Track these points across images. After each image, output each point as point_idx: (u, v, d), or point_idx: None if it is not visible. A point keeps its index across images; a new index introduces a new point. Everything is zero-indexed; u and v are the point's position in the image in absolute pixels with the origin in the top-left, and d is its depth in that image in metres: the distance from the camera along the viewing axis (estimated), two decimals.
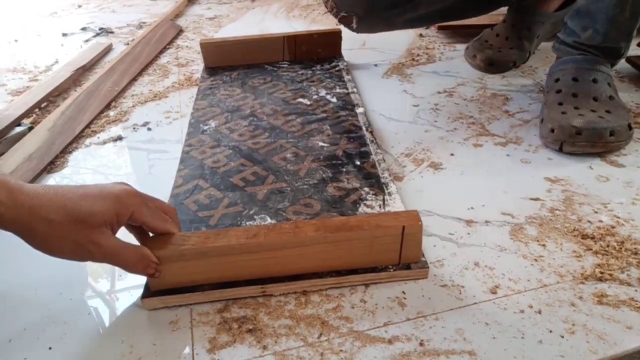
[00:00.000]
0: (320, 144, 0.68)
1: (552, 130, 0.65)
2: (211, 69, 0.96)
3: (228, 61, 0.97)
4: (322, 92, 0.83)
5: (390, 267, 0.46)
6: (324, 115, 0.75)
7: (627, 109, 0.67)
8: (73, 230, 0.39)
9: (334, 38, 0.97)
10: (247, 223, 0.53)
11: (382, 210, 0.54)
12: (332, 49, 0.98)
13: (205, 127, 0.74)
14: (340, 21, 0.86)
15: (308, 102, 0.79)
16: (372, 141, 0.67)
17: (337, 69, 0.92)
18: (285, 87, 0.86)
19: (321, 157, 0.65)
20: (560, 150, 0.65)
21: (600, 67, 0.69)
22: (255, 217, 0.54)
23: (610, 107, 0.66)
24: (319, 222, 0.45)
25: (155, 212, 0.44)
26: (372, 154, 0.64)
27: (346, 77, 0.88)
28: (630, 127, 0.64)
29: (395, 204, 0.55)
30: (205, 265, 0.44)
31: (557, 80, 0.71)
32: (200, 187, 0.60)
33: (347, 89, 0.83)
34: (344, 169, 0.62)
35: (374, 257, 0.46)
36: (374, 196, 0.56)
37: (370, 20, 0.85)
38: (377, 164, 0.62)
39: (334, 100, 0.79)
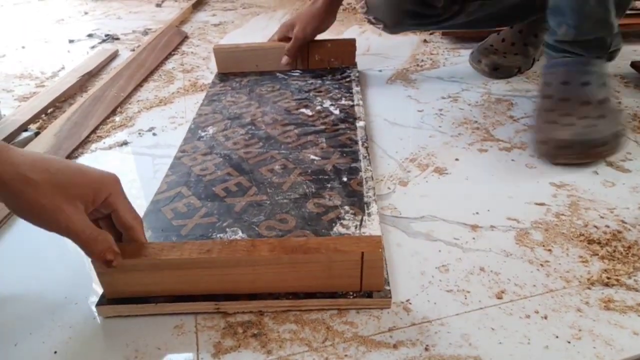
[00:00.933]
0: (312, 157, 0.66)
1: (543, 143, 0.64)
2: (223, 75, 0.96)
3: (241, 68, 0.96)
4: (327, 103, 0.81)
5: (351, 293, 0.44)
6: (323, 127, 0.73)
7: (619, 110, 0.66)
8: (49, 194, 0.39)
9: (347, 47, 0.96)
10: (218, 235, 0.52)
11: (357, 232, 0.52)
12: (346, 58, 0.96)
13: (203, 134, 0.74)
14: (369, 21, 0.90)
15: (310, 113, 0.78)
16: (365, 157, 0.65)
17: (347, 79, 0.90)
18: (291, 96, 0.85)
19: (309, 170, 0.63)
20: (552, 162, 0.64)
21: (590, 68, 0.66)
22: (227, 229, 0.53)
23: (603, 111, 0.64)
24: (277, 242, 0.44)
25: (129, 206, 0.44)
26: (362, 170, 0.62)
27: (355, 89, 0.86)
28: (622, 133, 0.63)
29: (373, 226, 0.52)
30: (160, 277, 0.44)
31: (548, 84, 0.69)
32: (181, 195, 0.59)
33: (352, 100, 0.81)
34: (329, 185, 0.60)
35: (334, 282, 0.44)
36: (352, 216, 0.54)
37: (397, 29, 0.91)
38: (364, 182, 0.60)
39: (337, 112, 0.78)
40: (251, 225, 0.54)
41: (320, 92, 0.86)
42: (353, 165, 0.63)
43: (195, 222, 0.54)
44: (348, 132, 0.72)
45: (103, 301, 0.45)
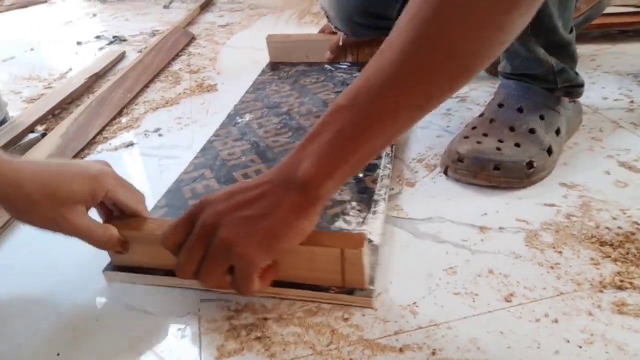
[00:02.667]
0: None
1: (444, 152, 0.63)
2: (274, 64, 0.97)
3: (291, 58, 0.97)
4: None
5: (333, 288, 0.44)
6: None
7: (546, 147, 0.60)
8: (49, 207, 0.41)
9: None
10: None
11: (358, 229, 0.51)
12: None
13: (240, 120, 0.76)
14: (335, 28, 0.90)
15: None
16: (387, 154, 0.64)
17: None
18: (332, 88, 0.85)
19: None
20: (445, 174, 0.62)
21: (532, 96, 0.63)
22: None
23: (523, 140, 0.60)
24: None
25: (129, 193, 0.47)
26: (380, 167, 0.62)
27: None
28: (530, 166, 0.58)
29: (375, 225, 0.52)
30: (156, 251, 0.44)
31: (488, 103, 0.67)
32: (204, 177, 0.62)
33: None
34: None
35: (317, 275, 0.44)
36: (357, 212, 0.54)
37: (359, 37, 0.90)
38: (379, 180, 0.59)
39: None
40: None
41: None
42: (373, 162, 0.63)
43: None
44: None
45: (110, 267, 0.49)
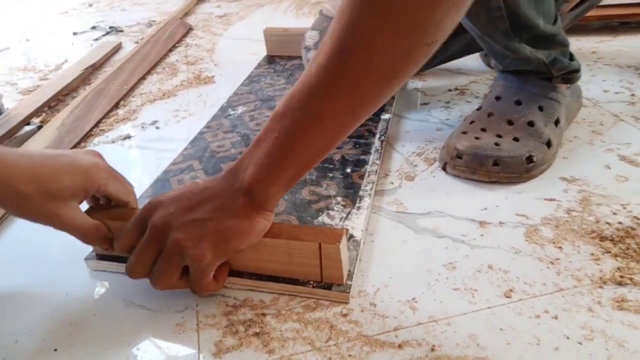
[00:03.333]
0: None
1: (443, 147, 0.62)
2: (271, 58, 0.98)
3: (288, 51, 0.97)
4: None
5: (312, 283, 0.44)
6: None
7: (545, 139, 0.59)
8: (40, 203, 0.41)
9: None
10: None
11: (341, 224, 0.52)
12: None
13: (232, 112, 0.76)
14: None
15: None
16: (377, 150, 0.64)
17: None
18: None
19: None
20: (444, 170, 0.61)
21: (529, 87, 0.63)
22: None
23: (521, 134, 0.60)
24: None
25: (120, 185, 0.47)
26: (369, 163, 0.61)
27: None
28: (530, 160, 0.57)
29: (358, 220, 0.52)
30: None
31: (486, 96, 0.67)
32: (192, 168, 0.62)
33: None
34: (331, 174, 0.60)
35: (296, 269, 0.44)
36: (342, 207, 0.54)
37: None
38: (366, 175, 0.59)
39: None
40: None
41: None
42: (362, 157, 0.63)
43: None
44: (370, 123, 0.70)
45: (91, 256, 0.50)
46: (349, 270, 0.45)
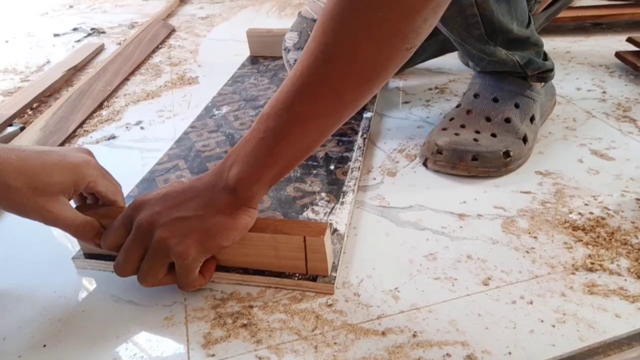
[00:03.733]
0: None
1: (423, 144, 0.65)
2: (254, 58, 0.99)
3: (272, 52, 0.98)
4: None
5: (297, 275, 0.46)
6: None
7: (521, 135, 0.62)
8: (29, 197, 0.41)
9: None
10: None
11: (325, 218, 0.53)
12: None
13: (216, 112, 0.77)
14: None
15: None
16: (360, 147, 0.65)
17: None
18: None
19: None
20: (425, 165, 0.63)
21: (506, 85, 0.65)
22: None
23: (499, 130, 0.62)
24: None
25: (108, 184, 0.48)
26: (352, 160, 0.63)
27: None
28: (507, 155, 0.60)
29: (342, 215, 0.53)
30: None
31: (465, 94, 0.69)
32: (177, 167, 0.63)
33: None
34: (315, 171, 0.61)
35: (281, 263, 0.46)
36: (326, 203, 0.56)
37: None
38: (349, 172, 0.61)
39: None
40: None
41: None
42: (345, 154, 0.64)
43: None
44: (353, 122, 0.72)
45: (78, 256, 0.50)
46: (334, 263, 0.47)
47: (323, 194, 0.57)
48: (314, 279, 0.45)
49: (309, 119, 0.41)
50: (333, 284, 0.45)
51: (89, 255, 0.50)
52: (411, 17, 0.36)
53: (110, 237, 0.44)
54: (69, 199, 0.45)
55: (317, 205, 0.55)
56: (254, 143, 0.42)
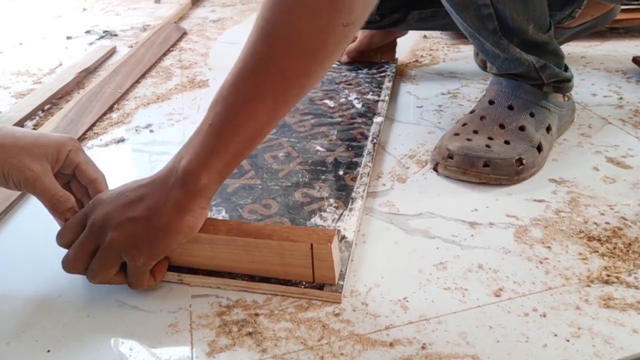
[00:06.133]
0: (318, 148, 0.66)
1: (435, 148, 0.63)
2: None
3: None
4: (352, 97, 0.81)
5: (304, 283, 0.45)
6: (339, 119, 0.74)
7: (535, 144, 0.60)
8: (16, 155, 0.43)
9: (389, 43, 0.94)
10: None
11: (333, 225, 0.52)
12: (385, 53, 0.95)
13: None
14: None
15: (332, 105, 0.79)
16: (370, 152, 0.64)
17: (382, 74, 0.88)
18: (320, 86, 0.85)
19: (310, 161, 0.63)
20: (435, 170, 0.62)
21: (522, 94, 0.64)
22: (213, 208, 0.55)
23: (512, 137, 0.61)
24: (235, 225, 0.46)
25: (91, 161, 0.48)
26: (361, 166, 0.62)
27: (386, 84, 0.84)
28: (520, 163, 0.59)
29: (350, 221, 0.52)
30: None
31: (480, 100, 0.68)
32: None
33: (379, 95, 0.81)
34: (323, 177, 0.60)
35: (288, 270, 0.45)
36: (334, 209, 0.55)
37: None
38: (358, 177, 0.60)
39: (359, 106, 0.78)
40: (236, 206, 0.55)
41: (350, 84, 0.86)
42: (354, 159, 0.63)
43: None
44: (362, 126, 0.71)
45: (64, 268, 0.48)
46: (341, 271, 0.46)
47: (331, 200, 0.56)
48: (320, 287, 0.45)
49: (255, 100, 0.41)
50: (340, 292, 0.44)
51: None
52: None
53: (65, 234, 0.45)
54: (52, 170, 0.45)
55: (325, 211, 0.55)
56: (203, 131, 0.42)
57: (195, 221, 0.43)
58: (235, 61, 0.41)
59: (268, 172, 0.61)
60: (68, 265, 0.44)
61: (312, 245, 0.43)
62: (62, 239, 0.45)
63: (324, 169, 0.62)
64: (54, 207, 0.45)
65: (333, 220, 0.53)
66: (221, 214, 0.54)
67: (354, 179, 0.59)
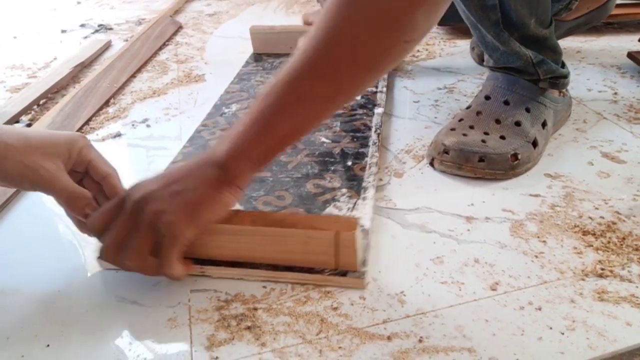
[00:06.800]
0: (323, 139, 0.67)
1: (430, 144, 0.64)
2: (258, 55, 0.98)
3: (275, 49, 0.98)
4: None
5: (327, 271, 0.46)
6: (341, 111, 0.74)
7: (531, 139, 0.61)
8: (30, 156, 0.43)
9: None
10: None
11: (348, 214, 0.53)
12: None
13: (226, 110, 0.76)
14: None
15: None
16: (375, 143, 0.65)
17: None
18: None
19: (317, 152, 0.64)
20: (431, 165, 0.63)
21: (518, 89, 0.64)
22: None
23: (508, 132, 0.61)
24: (258, 215, 0.47)
25: (102, 157, 0.48)
26: (368, 156, 0.63)
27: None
28: (515, 158, 0.59)
29: (365, 210, 0.53)
30: None
31: (476, 96, 0.69)
32: None
33: (377, 87, 0.80)
34: (332, 168, 0.61)
35: (311, 258, 0.45)
36: (347, 198, 0.55)
37: None
38: (367, 167, 0.61)
39: (358, 97, 0.78)
40: (250, 199, 0.56)
41: None
42: (361, 150, 0.64)
43: None
44: (364, 117, 0.72)
45: (102, 256, 0.47)
46: (362, 257, 0.47)
47: (344, 190, 0.57)
48: (343, 274, 0.45)
49: (306, 100, 0.43)
50: (363, 279, 0.45)
51: None
52: (412, 10, 0.38)
53: (99, 218, 0.44)
54: (65, 167, 0.45)
55: (338, 201, 0.55)
56: (249, 120, 0.43)
57: (232, 198, 0.44)
58: (292, 59, 0.42)
59: (277, 164, 0.62)
60: (106, 250, 0.44)
61: (337, 232, 0.43)
62: (95, 224, 0.44)
63: (332, 159, 0.63)
64: (72, 203, 0.45)
65: (348, 210, 0.54)
66: (235, 206, 0.54)
67: (362, 169, 0.60)
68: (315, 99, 0.43)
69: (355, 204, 0.54)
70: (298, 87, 0.42)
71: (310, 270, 0.46)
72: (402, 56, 0.42)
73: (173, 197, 0.42)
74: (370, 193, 0.56)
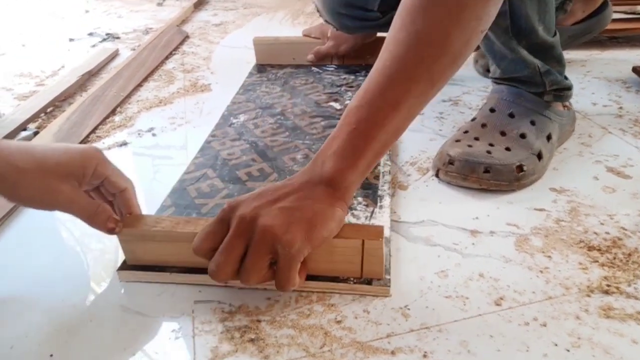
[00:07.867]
0: None
1: (436, 155, 0.64)
2: (261, 66, 0.99)
3: (278, 60, 0.99)
4: None
5: (352, 279, 0.46)
6: None
7: (536, 151, 0.61)
8: (41, 178, 0.42)
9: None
10: None
11: (367, 222, 0.53)
12: None
13: (234, 121, 0.77)
14: (326, 22, 0.90)
15: (338, 107, 0.80)
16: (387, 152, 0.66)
17: None
18: (322, 89, 0.87)
19: None
20: (437, 176, 0.63)
21: (523, 102, 0.65)
22: None
23: (513, 144, 0.61)
24: None
25: (117, 170, 0.47)
26: (380, 164, 0.64)
27: None
28: (520, 169, 0.59)
29: (383, 219, 0.54)
30: (175, 248, 0.47)
31: (481, 108, 0.69)
32: (207, 176, 0.63)
33: None
34: None
35: (336, 267, 0.46)
36: (364, 207, 0.56)
37: (346, 31, 0.88)
38: (380, 175, 0.61)
39: None
40: None
41: (352, 87, 0.88)
42: None
43: (216, 202, 0.58)
44: None
45: (124, 266, 0.49)
46: (385, 266, 0.47)
47: (360, 199, 0.57)
48: (369, 282, 0.46)
49: (403, 103, 0.44)
50: (389, 287, 0.45)
51: (133, 267, 0.49)
52: (487, 2, 0.43)
53: (204, 241, 0.42)
54: (80, 185, 0.44)
55: (356, 209, 0.56)
56: (345, 136, 0.44)
57: (343, 214, 0.44)
58: (377, 69, 0.45)
59: (290, 173, 0.63)
60: (219, 272, 0.41)
61: (363, 241, 0.43)
62: (201, 248, 0.43)
63: None
64: (93, 221, 0.45)
65: (366, 218, 0.54)
66: None
67: (376, 178, 0.61)
68: (409, 100, 0.44)
69: (372, 212, 0.55)
70: (394, 94, 0.44)
71: (335, 279, 0.46)
72: (476, 45, 0.45)
73: (283, 212, 0.41)
74: (386, 202, 0.57)
